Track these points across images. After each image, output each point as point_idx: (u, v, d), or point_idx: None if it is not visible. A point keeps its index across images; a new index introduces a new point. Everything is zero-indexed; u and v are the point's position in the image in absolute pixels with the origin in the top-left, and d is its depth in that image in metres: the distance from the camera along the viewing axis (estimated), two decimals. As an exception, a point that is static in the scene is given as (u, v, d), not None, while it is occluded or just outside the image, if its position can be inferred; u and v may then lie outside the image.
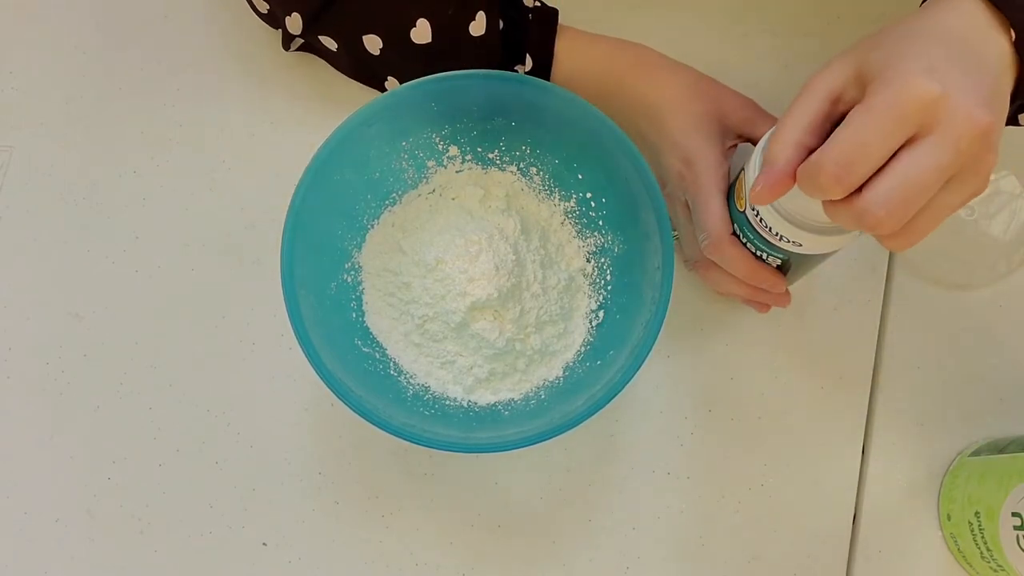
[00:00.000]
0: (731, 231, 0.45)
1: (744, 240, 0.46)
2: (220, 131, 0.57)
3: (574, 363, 0.50)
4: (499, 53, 0.49)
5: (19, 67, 0.58)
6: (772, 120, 0.50)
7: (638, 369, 0.43)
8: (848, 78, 0.37)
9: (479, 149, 0.51)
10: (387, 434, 0.43)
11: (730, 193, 0.46)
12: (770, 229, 0.42)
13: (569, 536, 0.51)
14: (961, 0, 0.37)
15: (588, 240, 0.52)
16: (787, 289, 0.47)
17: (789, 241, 0.42)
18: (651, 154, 0.49)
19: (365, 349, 0.49)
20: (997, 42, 0.36)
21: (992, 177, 0.55)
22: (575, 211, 0.52)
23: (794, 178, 0.36)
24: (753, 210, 0.43)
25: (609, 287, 0.51)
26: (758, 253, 0.46)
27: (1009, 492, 0.44)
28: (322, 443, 0.52)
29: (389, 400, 0.47)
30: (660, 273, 0.44)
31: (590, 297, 0.51)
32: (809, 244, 0.42)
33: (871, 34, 0.38)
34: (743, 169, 0.43)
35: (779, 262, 0.46)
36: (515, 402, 0.49)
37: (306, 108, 0.57)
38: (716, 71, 0.56)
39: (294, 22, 0.51)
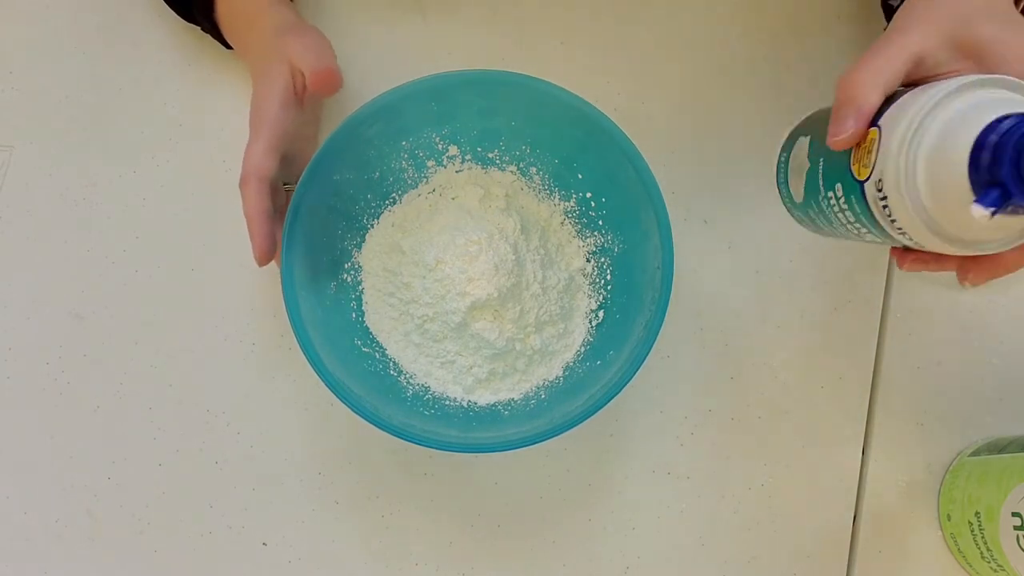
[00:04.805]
0: None
1: (836, 208, 0.38)
2: (220, 132, 0.57)
3: (574, 363, 0.50)
4: None
5: (19, 67, 0.58)
6: None
7: (638, 369, 0.43)
8: (933, 45, 0.36)
9: (479, 149, 0.51)
10: (387, 434, 0.43)
11: (845, 158, 0.37)
12: (892, 219, 0.35)
13: (569, 536, 0.51)
14: None
15: (588, 240, 0.52)
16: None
17: (909, 238, 0.35)
18: None
19: (365, 349, 0.49)
20: None
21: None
22: (575, 211, 0.52)
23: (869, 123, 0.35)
24: (879, 192, 0.34)
25: (609, 287, 0.51)
26: (849, 226, 0.38)
27: (1009, 492, 0.44)
28: (322, 443, 0.52)
29: (389, 400, 0.47)
30: (660, 273, 0.44)
31: (590, 297, 0.51)
32: (932, 245, 0.35)
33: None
34: (879, 128, 0.35)
35: (869, 237, 0.38)
36: (515, 402, 0.49)
37: (306, 108, 0.57)
38: (716, 71, 0.56)
39: None
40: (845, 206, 0.37)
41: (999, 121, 0.30)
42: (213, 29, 0.53)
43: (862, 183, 0.35)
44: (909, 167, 0.33)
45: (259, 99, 0.48)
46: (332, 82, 0.47)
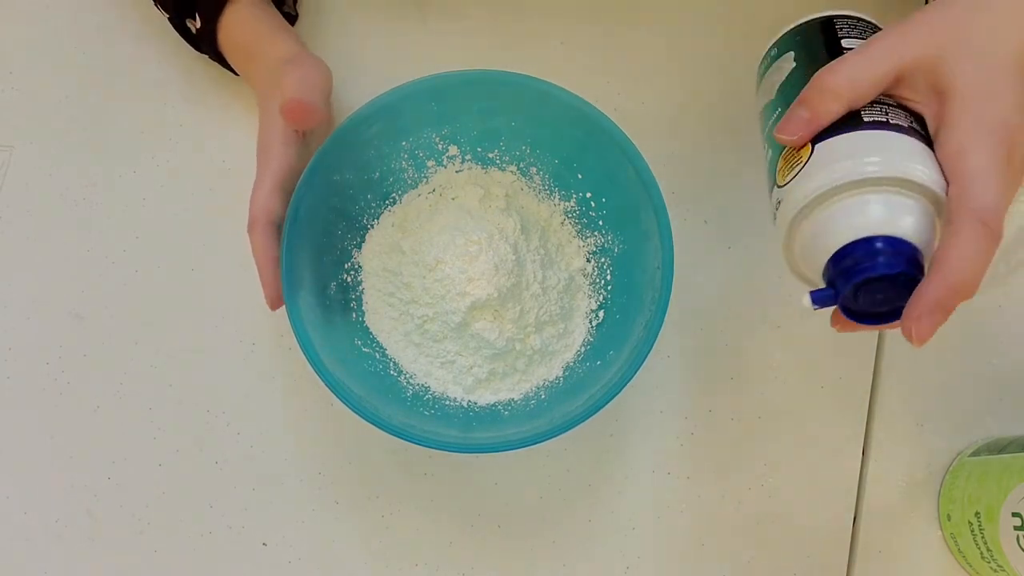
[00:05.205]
0: None
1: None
2: (220, 131, 0.57)
3: (574, 363, 0.50)
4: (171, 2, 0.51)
5: (19, 67, 0.58)
6: None
7: (638, 369, 0.43)
8: (919, 65, 0.35)
9: (479, 149, 0.51)
10: (387, 434, 0.43)
11: (780, 150, 0.39)
12: (779, 234, 0.38)
13: (569, 536, 0.51)
14: None
15: (588, 240, 0.52)
16: None
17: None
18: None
19: (365, 349, 0.49)
20: None
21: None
22: (575, 211, 0.52)
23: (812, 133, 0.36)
24: (776, 208, 0.38)
25: (609, 287, 0.51)
26: None
27: (1009, 492, 0.44)
28: (322, 443, 0.52)
29: (389, 400, 0.47)
30: (660, 273, 0.44)
31: (590, 297, 0.51)
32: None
33: (950, 17, 0.35)
34: (812, 149, 0.37)
35: None
36: (515, 402, 0.49)
37: (306, 108, 0.57)
38: (716, 73, 0.56)
39: None
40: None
41: (868, 242, 0.33)
42: (220, 58, 0.53)
43: (778, 187, 0.37)
44: (799, 220, 0.35)
45: (262, 135, 0.47)
46: (301, 114, 0.45)
